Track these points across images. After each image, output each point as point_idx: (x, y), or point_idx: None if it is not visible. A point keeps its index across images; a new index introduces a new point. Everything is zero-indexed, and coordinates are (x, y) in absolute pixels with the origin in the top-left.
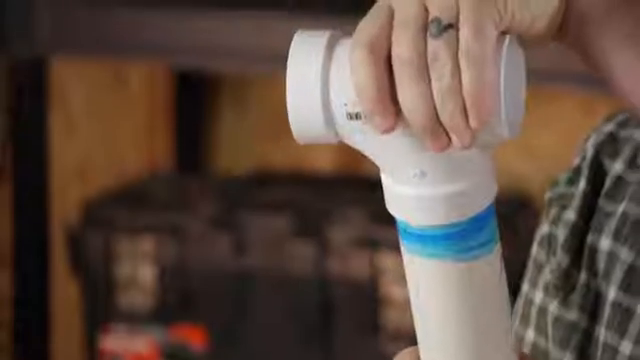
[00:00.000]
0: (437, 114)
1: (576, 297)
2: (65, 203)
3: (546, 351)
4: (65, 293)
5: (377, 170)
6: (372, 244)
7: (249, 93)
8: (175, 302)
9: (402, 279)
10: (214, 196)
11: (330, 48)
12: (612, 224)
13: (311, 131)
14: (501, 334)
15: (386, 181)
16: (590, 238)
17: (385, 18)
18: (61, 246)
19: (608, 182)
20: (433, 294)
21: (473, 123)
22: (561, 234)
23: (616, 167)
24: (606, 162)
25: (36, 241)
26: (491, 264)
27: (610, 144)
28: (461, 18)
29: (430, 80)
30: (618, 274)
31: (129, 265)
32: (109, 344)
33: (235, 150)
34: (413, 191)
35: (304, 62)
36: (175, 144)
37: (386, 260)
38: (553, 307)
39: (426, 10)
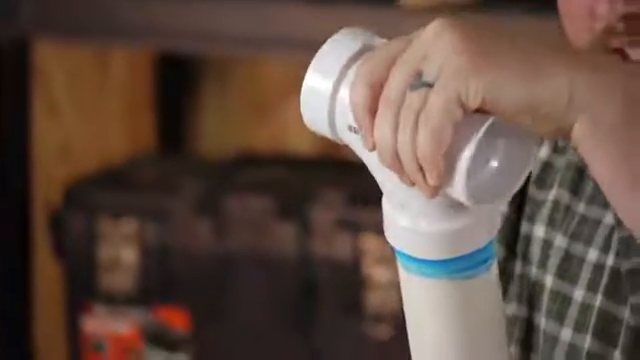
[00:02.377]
0: None
1: (514, 288)
2: (47, 185)
3: None
4: (47, 275)
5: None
6: (355, 225)
7: (232, 75)
8: (157, 284)
9: (385, 260)
10: (197, 178)
11: (348, 66)
12: (545, 212)
13: (319, 130)
14: (496, 350)
15: (385, 206)
16: (523, 227)
17: (395, 53)
18: (43, 228)
19: (536, 168)
20: (427, 310)
21: (428, 180)
22: None
23: (542, 152)
24: None
25: (18, 223)
26: (487, 281)
27: None
28: (437, 82)
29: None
30: (554, 261)
31: (111, 247)
32: (91, 326)
33: (218, 132)
34: (408, 223)
35: (322, 71)
36: (158, 126)
37: (369, 241)
38: None
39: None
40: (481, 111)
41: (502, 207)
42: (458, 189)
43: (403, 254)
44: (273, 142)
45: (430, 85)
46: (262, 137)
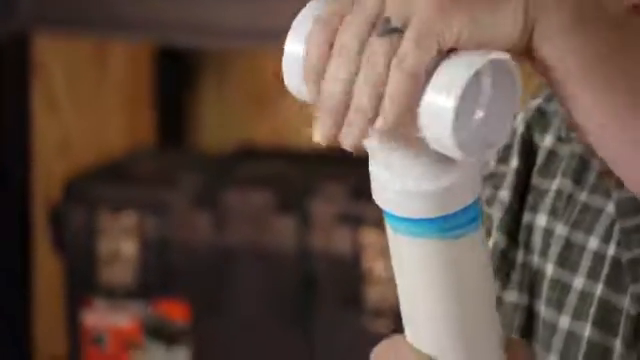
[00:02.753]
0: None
1: (515, 276)
2: (47, 179)
3: None
4: (47, 268)
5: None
6: (355, 219)
7: (232, 69)
8: (157, 277)
9: (384, 254)
10: (196, 172)
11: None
12: (548, 201)
13: (301, 96)
14: (487, 311)
15: (371, 168)
16: (526, 217)
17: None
18: (43, 222)
19: (540, 157)
20: (417, 271)
21: (379, 123)
22: (496, 214)
23: (547, 141)
24: (537, 137)
25: (18, 217)
26: (475, 240)
27: (539, 119)
28: (409, 27)
29: (356, 73)
30: (554, 249)
31: (111, 240)
32: (91, 319)
33: (217, 126)
34: (396, 184)
35: (298, 35)
36: (157, 120)
37: (369, 235)
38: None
39: (384, 6)
40: (454, 50)
41: (486, 164)
42: (446, 140)
43: (391, 215)
44: (273, 135)
45: (396, 30)
46: (262, 130)
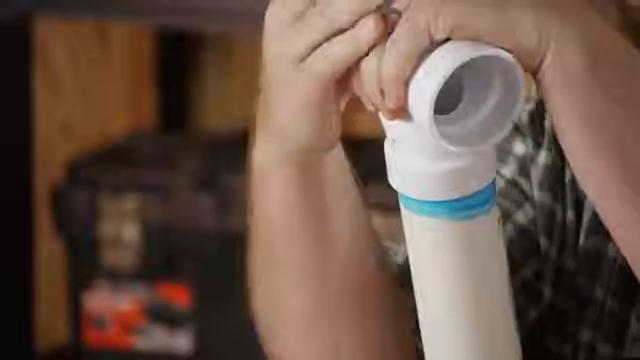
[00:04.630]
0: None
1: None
2: (49, 162)
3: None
4: (49, 252)
5: (361, 131)
6: None
7: (234, 51)
8: (159, 261)
9: (387, 240)
10: (199, 155)
11: None
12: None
13: None
14: (498, 296)
15: (386, 149)
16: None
17: None
18: (45, 205)
19: None
20: (429, 250)
21: (387, 103)
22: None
23: None
24: None
25: (21, 200)
26: (486, 224)
27: None
28: (405, 11)
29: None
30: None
31: (113, 224)
32: (93, 303)
33: (219, 109)
34: (406, 164)
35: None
36: (159, 103)
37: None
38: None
39: None
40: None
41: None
42: (425, 125)
43: (405, 197)
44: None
45: (396, 12)
46: None
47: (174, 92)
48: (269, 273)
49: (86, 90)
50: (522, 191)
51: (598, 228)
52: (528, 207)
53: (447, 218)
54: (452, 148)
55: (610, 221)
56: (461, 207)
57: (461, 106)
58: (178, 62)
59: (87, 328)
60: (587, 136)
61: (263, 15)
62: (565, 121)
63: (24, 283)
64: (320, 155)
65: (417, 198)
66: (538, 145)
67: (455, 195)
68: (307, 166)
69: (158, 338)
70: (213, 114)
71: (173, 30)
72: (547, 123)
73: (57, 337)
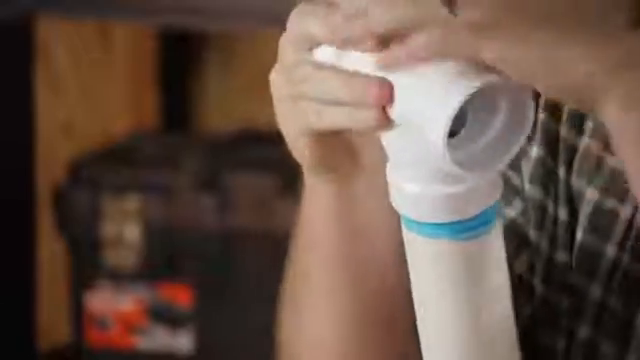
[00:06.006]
0: None
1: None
2: (51, 162)
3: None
4: (51, 252)
5: None
6: None
7: (236, 51)
8: (161, 261)
9: None
10: (200, 155)
11: None
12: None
13: None
14: (499, 315)
15: (387, 171)
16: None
17: None
18: (47, 205)
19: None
20: (429, 271)
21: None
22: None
23: None
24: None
25: (22, 200)
26: (491, 242)
27: None
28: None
29: None
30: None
31: (115, 224)
32: (95, 303)
33: (222, 109)
34: (407, 186)
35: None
36: (161, 102)
37: None
38: None
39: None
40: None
41: (503, 170)
42: (438, 153)
43: (405, 216)
44: (276, 118)
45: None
46: (265, 113)
47: (176, 92)
48: (301, 299)
49: (88, 90)
50: (513, 186)
51: (597, 227)
52: (518, 201)
53: (448, 239)
54: (462, 173)
55: None
56: (462, 229)
57: (465, 130)
58: (180, 62)
59: (89, 328)
60: None
61: (265, 15)
62: (632, 169)
63: (26, 283)
64: (342, 178)
65: (417, 220)
66: (529, 139)
67: (456, 218)
68: (333, 187)
69: (160, 338)
70: (215, 114)
71: (175, 30)
72: (539, 117)
73: (59, 337)
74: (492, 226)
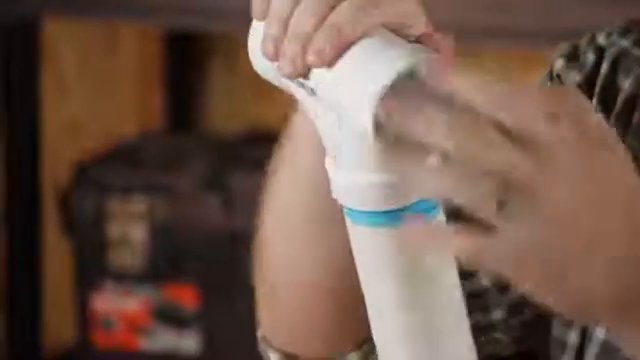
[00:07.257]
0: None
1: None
2: (57, 164)
3: None
4: (56, 253)
5: None
6: None
7: (241, 52)
8: (166, 262)
9: None
10: (206, 156)
11: None
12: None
13: (266, 77)
14: (446, 296)
15: (326, 162)
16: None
17: None
18: (53, 206)
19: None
20: (371, 261)
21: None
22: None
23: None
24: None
25: (28, 201)
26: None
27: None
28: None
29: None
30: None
31: (120, 225)
32: (100, 304)
33: (227, 110)
34: (348, 178)
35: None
36: (167, 104)
37: None
38: None
39: None
40: None
41: None
42: (367, 139)
43: (345, 207)
44: (282, 119)
45: None
46: (270, 114)
47: (182, 93)
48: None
49: (94, 91)
50: None
51: None
52: None
53: (387, 228)
54: (392, 158)
55: None
56: (400, 217)
57: None
58: (186, 63)
59: (94, 329)
60: None
61: None
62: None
63: (32, 284)
64: None
65: (356, 209)
66: None
67: (394, 206)
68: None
69: (165, 339)
70: (221, 115)
71: (181, 31)
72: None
73: (64, 338)
74: (435, 214)
